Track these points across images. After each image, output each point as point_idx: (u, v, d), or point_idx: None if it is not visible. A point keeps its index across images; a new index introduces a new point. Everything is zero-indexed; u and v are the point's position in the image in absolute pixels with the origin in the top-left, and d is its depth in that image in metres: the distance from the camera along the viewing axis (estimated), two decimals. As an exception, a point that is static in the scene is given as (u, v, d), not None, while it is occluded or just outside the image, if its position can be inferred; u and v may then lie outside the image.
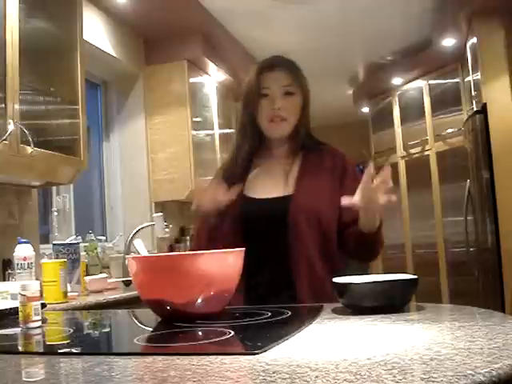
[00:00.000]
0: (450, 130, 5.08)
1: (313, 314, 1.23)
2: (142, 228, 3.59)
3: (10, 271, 2.56)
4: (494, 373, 0.69)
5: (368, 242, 1.60)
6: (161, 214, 3.61)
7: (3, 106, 2.34)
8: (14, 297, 1.83)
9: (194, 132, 4.34)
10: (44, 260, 2.38)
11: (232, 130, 5.28)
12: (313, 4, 4.09)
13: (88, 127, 3.10)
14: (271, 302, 1.46)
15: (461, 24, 4.31)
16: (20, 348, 1.13)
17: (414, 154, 5.59)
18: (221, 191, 1.61)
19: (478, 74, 4.12)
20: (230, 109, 5.28)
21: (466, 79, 4.86)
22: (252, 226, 1.66)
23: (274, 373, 0.74)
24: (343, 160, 1.76)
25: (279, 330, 1.08)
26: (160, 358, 0.88)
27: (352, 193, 1.51)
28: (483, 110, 4.00)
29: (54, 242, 2.68)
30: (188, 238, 4.60)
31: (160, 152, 4.28)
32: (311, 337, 1.02)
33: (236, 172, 1.77)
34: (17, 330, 1.27)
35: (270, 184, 1.74)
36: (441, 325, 1.09)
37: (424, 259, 5.46)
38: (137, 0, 3.74)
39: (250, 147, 1.78)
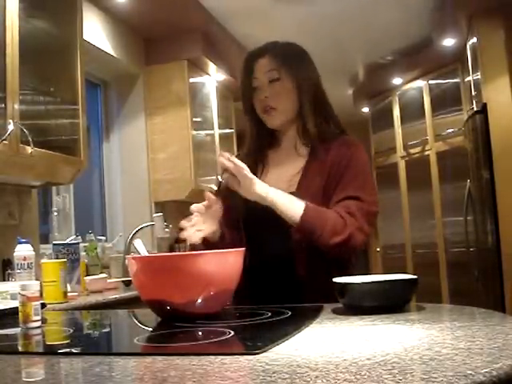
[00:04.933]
0: (450, 130, 5.08)
1: (313, 314, 1.22)
2: (142, 228, 3.59)
3: (9, 271, 2.55)
4: (494, 373, 0.69)
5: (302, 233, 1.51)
6: (161, 214, 3.61)
7: (3, 105, 2.34)
8: (13, 297, 1.83)
9: (194, 132, 4.34)
10: (44, 260, 2.38)
11: (232, 130, 5.28)
12: (313, 4, 4.09)
13: (88, 127, 3.10)
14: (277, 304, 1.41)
15: (461, 24, 4.31)
16: (20, 348, 1.13)
17: (414, 154, 5.59)
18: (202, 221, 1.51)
19: (478, 74, 4.12)
20: (230, 109, 5.29)
21: (465, 79, 4.86)
22: (254, 225, 1.62)
23: (274, 373, 0.74)
24: (350, 154, 1.61)
25: (279, 330, 1.08)
26: (160, 358, 0.88)
27: (347, 187, 1.52)
28: (483, 110, 4.00)
29: (54, 242, 2.68)
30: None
31: (160, 152, 4.28)
32: (311, 337, 1.02)
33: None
34: (17, 330, 1.27)
35: (276, 181, 1.63)
36: (441, 325, 1.09)
37: (424, 259, 5.46)
38: (137, 0, 3.74)
39: (259, 141, 1.72)
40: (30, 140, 2.41)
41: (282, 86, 1.63)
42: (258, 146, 1.73)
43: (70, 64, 2.87)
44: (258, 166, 1.71)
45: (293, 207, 1.48)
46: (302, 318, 1.23)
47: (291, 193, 1.55)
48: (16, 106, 2.39)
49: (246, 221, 1.64)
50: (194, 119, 4.36)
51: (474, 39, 4.16)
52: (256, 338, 1.00)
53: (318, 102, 1.67)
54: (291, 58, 1.67)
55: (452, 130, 5.04)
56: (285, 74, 1.63)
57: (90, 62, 3.43)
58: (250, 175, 1.47)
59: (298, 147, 1.68)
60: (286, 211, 1.47)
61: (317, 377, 0.71)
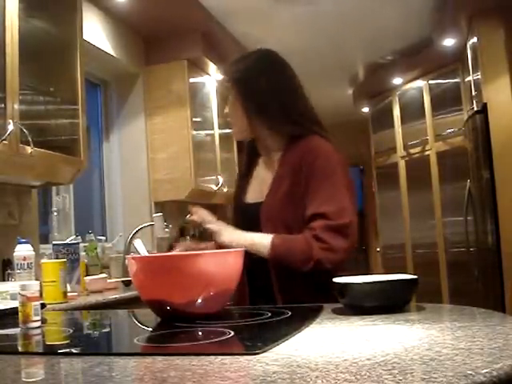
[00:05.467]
0: (450, 130, 5.08)
1: (313, 314, 1.22)
2: (142, 228, 3.59)
3: (9, 271, 2.55)
4: (495, 373, 0.69)
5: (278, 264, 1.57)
6: (161, 214, 3.61)
7: (3, 106, 2.34)
8: (13, 297, 1.83)
9: (194, 132, 4.33)
10: (44, 260, 2.38)
11: (232, 130, 5.27)
12: (313, 4, 4.09)
13: (88, 127, 3.09)
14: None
15: (461, 24, 4.31)
16: (20, 348, 1.13)
17: (414, 153, 5.59)
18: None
19: (478, 74, 4.12)
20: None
21: (466, 79, 4.86)
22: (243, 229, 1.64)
23: (274, 373, 0.74)
24: (312, 161, 1.59)
25: (279, 330, 1.08)
26: (160, 358, 0.88)
27: (312, 202, 1.54)
28: (483, 110, 4.00)
29: (54, 242, 2.68)
30: (188, 238, 4.60)
31: (160, 152, 4.28)
32: (311, 337, 1.02)
33: (242, 174, 1.83)
34: (17, 330, 1.27)
35: (254, 188, 1.75)
36: (441, 325, 1.08)
37: (424, 259, 5.45)
38: (137, 0, 3.74)
39: (249, 151, 1.82)
40: (30, 140, 2.40)
41: (231, 101, 1.74)
42: (248, 160, 1.82)
43: (70, 64, 2.87)
44: (248, 173, 1.81)
45: (261, 246, 1.55)
46: (301, 318, 1.23)
47: (261, 201, 1.64)
48: (16, 106, 2.39)
49: (238, 217, 1.76)
50: (194, 119, 4.35)
51: (474, 39, 4.16)
52: (256, 338, 1.00)
53: (281, 104, 1.65)
54: (234, 68, 1.74)
55: (452, 129, 5.04)
56: (230, 88, 1.74)
57: (90, 62, 3.44)
58: (216, 228, 1.59)
59: (271, 154, 1.72)
60: (256, 251, 1.54)
61: (317, 377, 0.71)
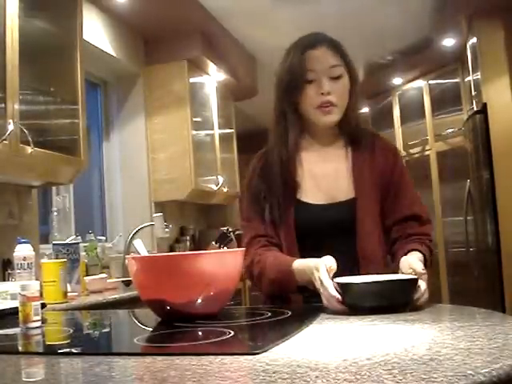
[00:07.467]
0: (450, 130, 5.08)
1: (313, 314, 1.22)
2: (142, 228, 3.59)
3: (9, 271, 2.55)
4: (494, 373, 0.69)
5: None
6: (161, 214, 3.61)
7: (3, 105, 2.34)
8: (13, 297, 1.83)
9: (194, 132, 4.33)
10: (44, 260, 2.38)
11: (232, 130, 5.28)
12: (313, 4, 4.09)
13: (88, 127, 3.09)
14: None
15: (461, 24, 4.31)
16: (20, 348, 1.13)
17: (414, 153, 5.59)
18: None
19: (478, 74, 4.12)
20: (230, 109, 5.29)
21: (465, 79, 4.86)
22: (310, 234, 1.54)
23: (274, 373, 0.74)
24: (393, 157, 1.62)
25: (279, 330, 1.08)
26: (160, 358, 0.88)
27: (398, 190, 1.55)
28: (483, 110, 4.00)
29: (54, 242, 2.68)
30: (188, 237, 4.61)
31: (160, 152, 4.28)
32: (311, 337, 1.02)
33: (282, 170, 1.58)
34: (17, 329, 1.27)
35: (326, 186, 1.58)
36: (441, 325, 1.08)
37: (424, 259, 5.44)
38: (137, 0, 3.74)
39: (295, 139, 1.59)
40: (30, 140, 2.41)
41: (343, 84, 1.57)
42: (293, 139, 1.60)
43: (70, 64, 2.87)
44: (295, 167, 1.61)
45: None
46: (301, 317, 1.22)
47: (352, 199, 1.55)
48: (16, 106, 2.39)
49: (302, 221, 1.56)
50: (194, 119, 4.35)
51: (474, 39, 4.16)
52: (256, 338, 1.01)
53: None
54: (346, 52, 1.63)
55: (452, 129, 5.04)
56: (344, 69, 1.58)
57: (90, 62, 3.43)
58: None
59: (338, 147, 1.63)
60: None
61: (317, 377, 0.71)
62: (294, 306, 1.49)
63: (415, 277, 1.25)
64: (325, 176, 1.60)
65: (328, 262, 1.32)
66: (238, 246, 3.93)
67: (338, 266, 1.34)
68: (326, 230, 1.53)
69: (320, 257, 1.36)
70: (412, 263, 1.34)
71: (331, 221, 1.54)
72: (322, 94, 1.53)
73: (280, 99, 1.60)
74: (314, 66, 1.54)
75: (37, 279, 2.15)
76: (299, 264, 1.43)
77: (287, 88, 1.57)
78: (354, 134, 1.62)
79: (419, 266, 1.31)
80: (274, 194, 1.58)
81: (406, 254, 1.43)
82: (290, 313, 1.26)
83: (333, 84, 1.54)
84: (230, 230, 4.30)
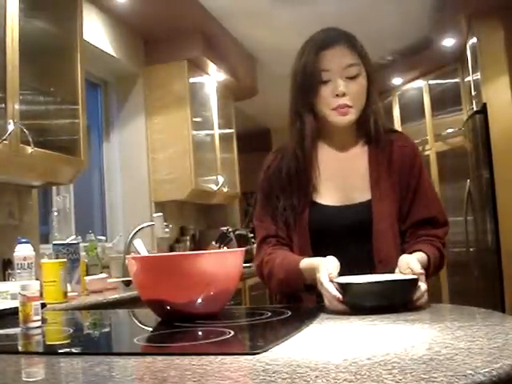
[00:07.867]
0: (450, 130, 5.08)
1: (313, 314, 1.22)
2: (142, 228, 3.59)
3: (9, 271, 2.55)
4: (494, 373, 0.69)
5: None
6: (161, 214, 3.61)
7: (3, 105, 2.34)
8: (13, 297, 1.83)
9: (194, 132, 4.34)
10: (44, 260, 2.38)
11: (232, 130, 5.28)
12: (312, 4, 4.09)
13: (88, 127, 3.09)
14: None
15: (461, 24, 4.31)
16: (20, 348, 1.13)
17: (414, 153, 5.59)
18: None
19: (478, 74, 4.12)
20: (230, 109, 5.29)
21: (465, 79, 4.86)
22: (324, 236, 1.52)
23: (274, 373, 0.74)
24: (411, 155, 1.56)
25: (279, 330, 1.08)
26: (160, 358, 0.88)
27: (416, 191, 1.52)
28: (483, 110, 4.00)
29: (54, 242, 2.68)
30: (188, 237, 4.61)
31: (160, 152, 4.28)
32: (311, 337, 1.02)
33: (298, 170, 1.55)
34: (17, 330, 1.27)
35: (342, 187, 1.55)
36: (441, 325, 1.08)
37: (424, 259, 5.44)
38: (137, 0, 3.74)
39: (311, 139, 1.55)
40: (30, 140, 2.40)
41: (360, 83, 1.52)
42: (309, 139, 1.56)
43: (70, 64, 2.87)
44: (311, 166, 1.57)
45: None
46: (301, 317, 1.23)
47: (369, 200, 1.51)
48: (16, 106, 2.39)
49: (317, 223, 1.54)
50: (194, 119, 4.36)
51: (474, 39, 4.16)
52: (256, 338, 1.01)
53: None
54: (363, 49, 1.56)
55: (452, 129, 5.04)
56: (361, 68, 1.53)
57: (90, 62, 3.43)
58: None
59: (355, 147, 1.59)
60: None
61: (317, 377, 0.71)
62: (300, 305, 1.49)
63: (416, 277, 1.25)
64: (341, 177, 1.56)
65: (330, 263, 1.31)
66: (238, 246, 3.93)
67: (353, 269, 1.32)
68: (341, 232, 1.50)
69: (333, 255, 1.35)
70: (410, 262, 1.32)
71: (346, 223, 1.51)
72: (337, 95, 1.49)
73: (295, 99, 1.56)
74: (329, 65, 1.50)
75: (37, 279, 2.15)
76: (306, 263, 1.43)
77: (302, 88, 1.53)
78: (371, 133, 1.56)
79: (417, 266, 1.30)
80: (288, 195, 1.55)
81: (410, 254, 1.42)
82: (289, 313, 1.26)
83: (349, 84, 1.50)
84: (230, 230, 4.30)
